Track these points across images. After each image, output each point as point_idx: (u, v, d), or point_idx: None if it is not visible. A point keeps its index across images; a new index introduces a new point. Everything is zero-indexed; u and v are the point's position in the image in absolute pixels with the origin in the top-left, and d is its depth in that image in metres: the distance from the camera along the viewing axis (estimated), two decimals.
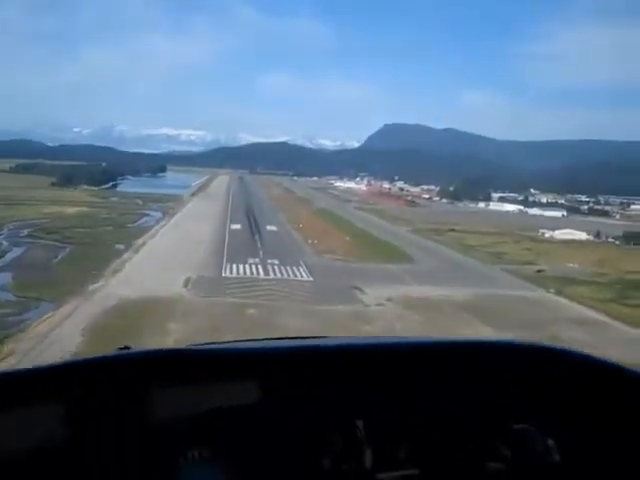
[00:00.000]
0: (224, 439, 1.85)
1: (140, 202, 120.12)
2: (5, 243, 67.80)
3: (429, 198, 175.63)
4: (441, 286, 53.71)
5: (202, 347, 2.18)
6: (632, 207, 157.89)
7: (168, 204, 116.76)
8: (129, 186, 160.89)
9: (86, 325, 36.85)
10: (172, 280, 49.50)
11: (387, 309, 46.94)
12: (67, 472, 1.71)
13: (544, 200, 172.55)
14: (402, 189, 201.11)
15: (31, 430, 1.70)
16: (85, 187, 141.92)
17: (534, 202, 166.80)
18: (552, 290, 55.99)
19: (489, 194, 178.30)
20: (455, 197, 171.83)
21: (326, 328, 36.64)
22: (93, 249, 65.61)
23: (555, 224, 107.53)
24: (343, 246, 73.93)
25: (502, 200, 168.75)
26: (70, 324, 37.39)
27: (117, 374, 1.84)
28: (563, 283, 58.92)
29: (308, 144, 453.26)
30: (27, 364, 1.96)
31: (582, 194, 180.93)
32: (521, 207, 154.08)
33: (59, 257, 62.25)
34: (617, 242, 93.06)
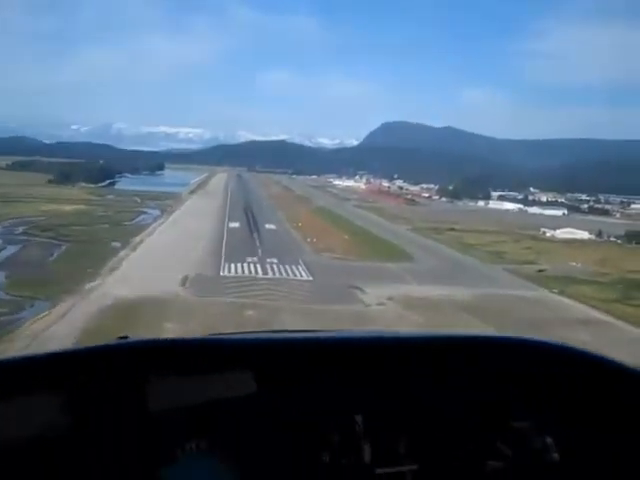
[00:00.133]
0: (222, 429, 1.88)
1: (138, 200, 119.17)
2: (0, 241, 66.96)
3: (428, 197, 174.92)
4: (442, 285, 53.20)
5: (200, 337, 2.17)
6: (632, 206, 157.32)
7: (166, 202, 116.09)
8: (127, 184, 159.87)
9: (81, 324, 36.24)
10: (169, 279, 48.91)
11: (388, 308, 46.39)
12: (67, 460, 1.74)
13: (544, 199, 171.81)
14: (401, 187, 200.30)
15: (30, 418, 1.73)
16: (83, 185, 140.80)
17: (534, 201, 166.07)
18: (555, 290, 55.36)
19: (488, 193, 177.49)
20: (454, 196, 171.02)
21: (326, 329, 35.93)
22: (90, 247, 64.91)
23: (556, 223, 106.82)
24: (342, 244, 73.34)
25: (502, 199, 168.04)
26: (64, 323, 36.79)
27: (116, 363, 1.88)
28: (565, 282, 58.27)
29: (307, 142, 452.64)
30: None
31: (582, 193, 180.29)
32: (521, 206, 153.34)
33: (55, 255, 61.57)
34: (619, 241, 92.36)
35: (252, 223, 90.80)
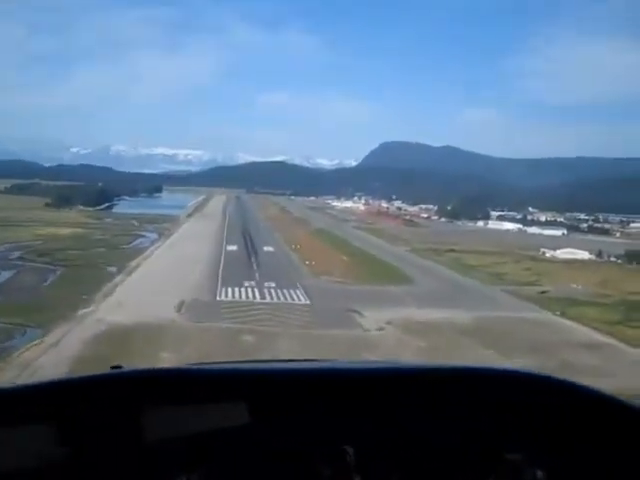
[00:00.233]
0: (216, 460, 1.91)
1: (135, 223, 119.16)
2: None
3: (427, 217, 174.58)
4: (442, 309, 52.48)
5: (194, 367, 2.22)
6: (632, 225, 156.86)
7: (164, 225, 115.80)
8: (125, 207, 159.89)
9: (72, 353, 35.49)
10: (165, 304, 48.22)
11: (387, 333, 45.68)
12: None
13: (543, 218, 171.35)
14: (400, 208, 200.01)
15: (25, 447, 1.75)
16: (81, 208, 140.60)
17: (533, 220, 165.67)
18: (557, 312, 54.57)
19: (488, 213, 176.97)
20: (453, 216, 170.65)
21: (324, 357, 35.07)
22: (85, 272, 64.28)
23: (555, 243, 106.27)
24: (341, 267, 72.65)
25: (501, 219, 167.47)
26: (55, 353, 35.98)
27: (110, 393, 1.92)
28: (567, 304, 57.48)
29: (305, 163, 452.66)
30: None
31: (580, 212, 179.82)
32: (520, 226, 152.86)
33: (49, 280, 60.90)
34: (619, 261, 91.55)
35: (250, 246, 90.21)
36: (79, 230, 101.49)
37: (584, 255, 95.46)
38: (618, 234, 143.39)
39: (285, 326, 45.28)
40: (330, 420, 1.97)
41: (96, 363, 30.62)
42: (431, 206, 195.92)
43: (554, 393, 2.09)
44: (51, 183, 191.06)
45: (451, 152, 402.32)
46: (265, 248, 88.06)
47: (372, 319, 48.40)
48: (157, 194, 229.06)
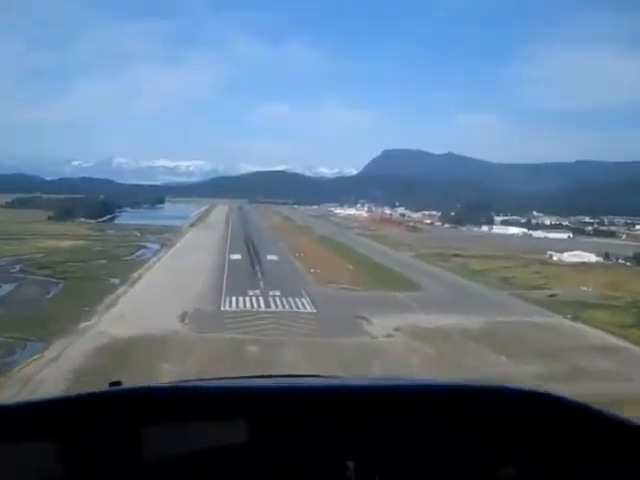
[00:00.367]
0: (215, 477, 1.93)
1: (138, 234, 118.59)
2: None
3: (431, 223, 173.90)
4: (450, 314, 51.59)
5: (193, 384, 2.21)
6: (637, 227, 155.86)
7: (166, 235, 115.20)
8: (127, 218, 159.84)
9: (73, 367, 34.60)
10: (168, 315, 47.42)
11: (396, 340, 44.70)
12: None
13: (547, 222, 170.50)
14: (403, 215, 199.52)
15: (25, 464, 1.77)
16: (83, 220, 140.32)
17: (537, 224, 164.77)
18: (569, 315, 53.44)
19: (491, 218, 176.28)
20: (457, 221, 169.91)
21: (331, 366, 34.06)
22: (87, 284, 63.35)
23: (562, 246, 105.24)
24: (346, 274, 71.71)
25: (505, 223, 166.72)
26: (56, 367, 35.05)
27: (110, 410, 1.93)
28: (578, 308, 56.35)
29: (307, 172, 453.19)
30: None
31: (584, 215, 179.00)
32: (525, 230, 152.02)
33: (51, 293, 59.96)
34: (628, 263, 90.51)
35: (253, 255, 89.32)
36: (80, 242, 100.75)
37: (591, 258, 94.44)
38: (624, 236, 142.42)
39: (291, 335, 44.30)
40: (330, 438, 1.94)
41: (96, 377, 29.76)
42: (434, 212, 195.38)
43: (545, 408, 2.05)
44: (53, 196, 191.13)
45: (452, 159, 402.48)
46: (269, 257, 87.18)
47: (380, 326, 47.44)
48: (159, 205, 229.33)
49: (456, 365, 37.93)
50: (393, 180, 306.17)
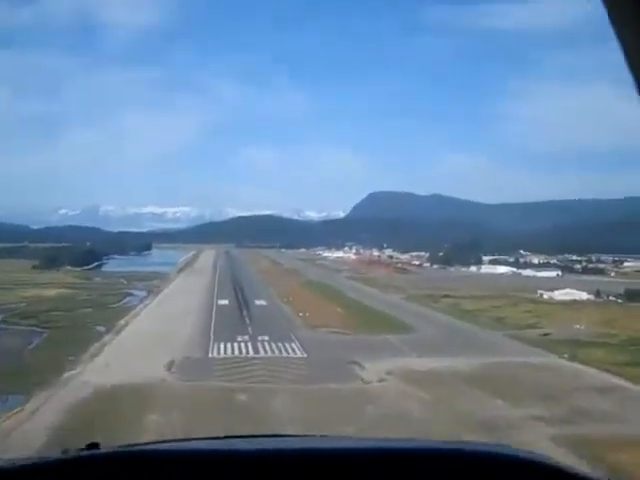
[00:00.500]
0: None
1: (124, 281, 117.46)
2: None
3: (419, 264, 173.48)
4: (442, 356, 50.66)
5: (170, 446, 2.20)
6: (625, 264, 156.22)
7: (153, 282, 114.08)
8: (114, 266, 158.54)
9: (54, 420, 33.25)
10: (154, 363, 46.26)
11: (389, 384, 43.60)
12: None
13: (535, 261, 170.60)
14: (391, 257, 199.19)
15: None
16: (69, 268, 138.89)
17: (525, 263, 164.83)
18: (565, 355, 52.51)
19: (480, 257, 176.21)
20: (446, 262, 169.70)
21: (323, 414, 32.89)
22: (72, 333, 62.17)
23: (552, 284, 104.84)
24: (336, 318, 70.72)
25: (494, 262, 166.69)
26: (36, 421, 33.59)
27: (86, 474, 1.91)
28: (573, 346, 55.45)
29: (294, 216, 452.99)
30: None
31: (571, 253, 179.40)
32: (514, 269, 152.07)
33: (34, 343, 58.53)
34: (619, 300, 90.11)
35: (241, 300, 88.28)
36: (66, 291, 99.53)
37: (582, 295, 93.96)
38: (613, 273, 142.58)
39: (281, 382, 43.11)
40: None
41: (76, 432, 28.53)
42: (422, 253, 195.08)
43: (536, 473, 2.02)
44: (39, 245, 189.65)
45: (439, 200, 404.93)
46: (257, 301, 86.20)
47: (372, 370, 46.45)
48: (146, 252, 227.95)
49: (451, 410, 36.93)
50: (380, 222, 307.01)
